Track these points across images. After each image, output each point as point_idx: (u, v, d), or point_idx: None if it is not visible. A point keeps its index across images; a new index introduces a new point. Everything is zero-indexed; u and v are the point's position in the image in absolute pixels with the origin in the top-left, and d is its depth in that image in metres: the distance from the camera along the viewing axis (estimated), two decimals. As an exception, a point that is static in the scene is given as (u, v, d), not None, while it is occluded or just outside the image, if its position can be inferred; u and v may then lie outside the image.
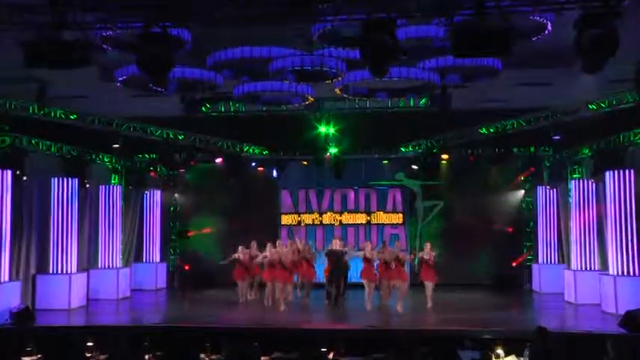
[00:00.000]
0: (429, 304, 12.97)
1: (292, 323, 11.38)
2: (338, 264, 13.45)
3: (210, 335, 9.72)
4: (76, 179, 13.58)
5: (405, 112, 13.49)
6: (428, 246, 13.69)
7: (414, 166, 16.79)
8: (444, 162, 16.31)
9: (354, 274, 14.52)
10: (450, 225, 17.42)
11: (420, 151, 16.24)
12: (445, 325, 10.88)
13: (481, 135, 14.87)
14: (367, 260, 13.19)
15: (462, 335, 9.78)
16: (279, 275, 13.14)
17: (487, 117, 14.24)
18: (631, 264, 12.00)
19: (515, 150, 15.82)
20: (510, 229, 17.23)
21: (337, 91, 11.10)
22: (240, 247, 14.43)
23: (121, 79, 10.30)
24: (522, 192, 17.35)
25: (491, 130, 14.64)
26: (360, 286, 13.45)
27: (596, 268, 13.58)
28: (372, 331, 10.37)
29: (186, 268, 18.14)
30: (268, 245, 13.70)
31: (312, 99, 11.56)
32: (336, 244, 13.76)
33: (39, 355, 8.80)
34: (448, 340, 9.51)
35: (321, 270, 14.59)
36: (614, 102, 11.96)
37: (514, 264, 17.12)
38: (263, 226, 17.18)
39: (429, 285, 13.18)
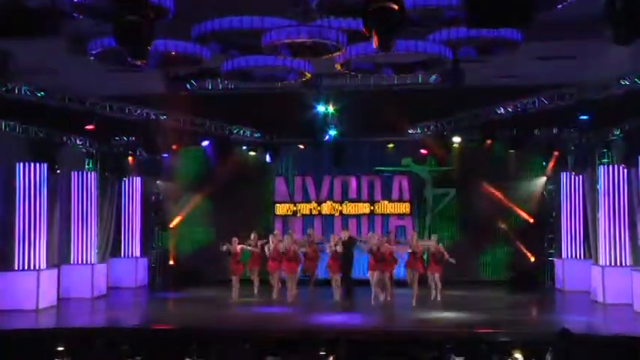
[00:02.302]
0: (433, 296, 13.67)
1: (288, 324, 11.38)
2: (350, 255, 13.87)
3: (196, 338, 9.73)
4: (45, 164, 13.50)
5: (413, 90, 13.39)
6: (434, 238, 14.16)
7: (423, 150, 16.73)
8: (456, 145, 16.27)
9: (358, 269, 14.64)
10: (462, 216, 17.41)
11: (430, 133, 16.17)
12: (456, 326, 10.87)
13: (498, 115, 14.78)
14: (373, 253, 13.39)
15: (476, 338, 9.78)
16: (285, 267, 13.78)
17: (505, 95, 14.14)
18: (666, 259, 11.99)
19: (536, 132, 15.73)
20: (531, 221, 17.21)
21: (337, 66, 10.99)
22: (233, 239, 14.52)
23: (94, 51, 10.17)
24: (544, 179, 17.31)
25: (509, 110, 14.56)
26: (364, 283, 13.53)
27: (628, 264, 13.54)
28: (375, 333, 10.37)
29: (171, 263, 18.15)
30: (271, 236, 14.26)
31: (309, 75, 11.45)
32: (345, 236, 14.14)
33: (3, 362, 8.79)
34: (460, 343, 9.51)
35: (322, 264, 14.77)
36: (648, 77, 11.87)
37: (532, 258, 17.11)
38: (255, 217, 17.19)
39: (435, 277, 13.78)
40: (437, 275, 13.80)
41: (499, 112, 14.72)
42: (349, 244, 13.90)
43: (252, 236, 14.86)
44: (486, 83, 13.21)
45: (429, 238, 14.98)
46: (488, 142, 15.91)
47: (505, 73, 12.76)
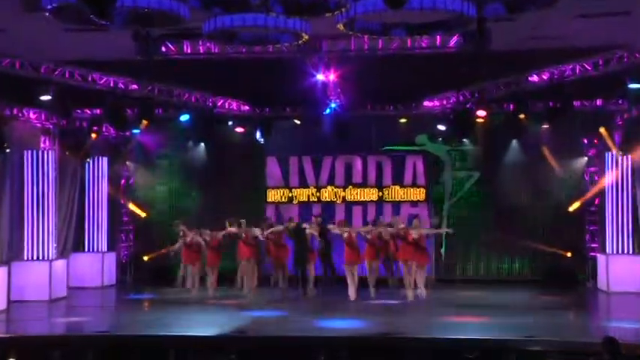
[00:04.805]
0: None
1: (278, 329, 11.44)
2: (300, 242, 14.67)
3: (173, 346, 9.76)
4: (-8, 143, 13.49)
5: (430, 55, 13.35)
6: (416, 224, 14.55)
7: (441, 126, 16.69)
8: (480, 120, 16.24)
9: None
10: (487, 203, 17.42)
11: (449, 106, 16.13)
12: (480, 332, 10.90)
13: (530, 84, 14.74)
14: (348, 243, 14.27)
15: (503, 346, 9.81)
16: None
17: (538, 60, 14.09)
18: None
19: (576, 103, 15.69)
20: (569, 209, 17.21)
21: (340, 26, 10.93)
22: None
23: (50, 6, 10.10)
24: (585, 160, 17.29)
25: (544, 78, 14.50)
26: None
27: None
28: (381, 340, 10.41)
29: (144, 259, 18.18)
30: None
31: (306, 37, 11.41)
32: (315, 223, 14.97)
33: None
34: (484, 352, 9.54)
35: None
36: None
37: (569, 254, 17.09)
38: (244, 205, 17.19)
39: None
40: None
41: (532, 80, 14.65)
42: (300, 232, 14.68)
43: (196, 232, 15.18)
44: (517, 47, 13.14)
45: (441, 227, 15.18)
46: (520, 116, 15.86)
47: (539, 35, 12.69)
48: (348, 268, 14.36)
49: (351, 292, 14.17)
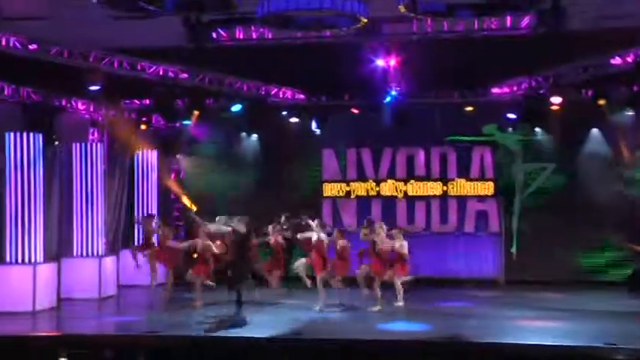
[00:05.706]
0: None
1: (336, 332, 11.50)
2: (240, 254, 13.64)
3: (227, 348, 9.86)
4: (40, 135, 13.73)
5: (499, 38, 13.20)
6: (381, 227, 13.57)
7: (511, 115, 16.46)
8: (555, 107, 15.97)
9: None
10: (563, 198, 17.11)
11: (521, 92, 15.93)
12: (555, 337, 10.73)
13: (612, 67, 14.48)
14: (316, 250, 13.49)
15: (582, 355, 9.64)
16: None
17: (620, 41, 13.77)
18: None
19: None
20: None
21: (401, 8, 10.87)
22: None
23: (98, -7, 10.30)
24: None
25: (628, 60, 14.21)
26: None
27: None
28: (444, 344, 10.37)
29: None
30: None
31: (365, 20, 11.37)
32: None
33: (-7, 374, 9.08)
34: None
35: None
36: None
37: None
38: (298, 200, 17.25)
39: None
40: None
41: (614, 63, 14.36)
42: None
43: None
44: (596, 26, 12.88)
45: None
46: (600, 102, 15.57)
47: (622, 12, 12.40)
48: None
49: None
